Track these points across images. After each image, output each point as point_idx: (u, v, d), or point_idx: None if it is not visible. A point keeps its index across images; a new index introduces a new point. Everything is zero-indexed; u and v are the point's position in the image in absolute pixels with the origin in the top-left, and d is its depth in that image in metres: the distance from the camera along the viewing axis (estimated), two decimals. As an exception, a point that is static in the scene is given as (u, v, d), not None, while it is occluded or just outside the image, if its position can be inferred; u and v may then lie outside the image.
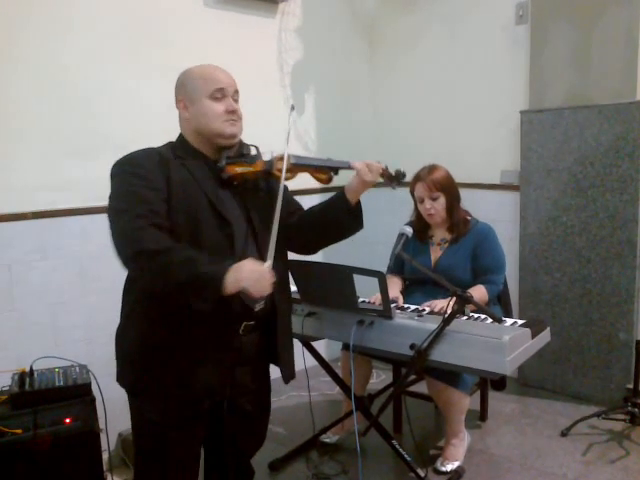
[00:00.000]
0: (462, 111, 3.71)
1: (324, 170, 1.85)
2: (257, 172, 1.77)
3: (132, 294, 1.71)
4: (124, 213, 1.57)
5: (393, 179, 1.92)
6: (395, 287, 2.76)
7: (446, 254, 2.72)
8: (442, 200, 2.68)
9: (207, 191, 1.67)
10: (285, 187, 1.89)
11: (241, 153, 1.76)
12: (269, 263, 1.58)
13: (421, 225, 2.79)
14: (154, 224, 1.56)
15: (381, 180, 1.86)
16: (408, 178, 2.80)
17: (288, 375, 1.86)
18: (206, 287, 1.52)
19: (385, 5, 4.04)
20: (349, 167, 1.83)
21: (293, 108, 1.82)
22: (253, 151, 1.79)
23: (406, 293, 2.78)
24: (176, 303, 1.61)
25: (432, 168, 2.72)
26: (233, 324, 1.70)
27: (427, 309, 2.42)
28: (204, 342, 1.65)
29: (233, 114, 1.71)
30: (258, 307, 1.56)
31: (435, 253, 2.76)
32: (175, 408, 1.68)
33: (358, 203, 1.83)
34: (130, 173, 1.62)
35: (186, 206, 1.62)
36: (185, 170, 1.67)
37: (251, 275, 1.52)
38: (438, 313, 2.33)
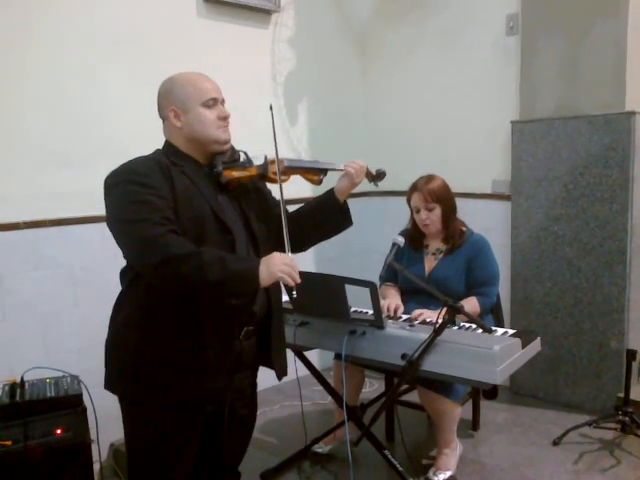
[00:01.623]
0: (453, 121, 3.74)
1: (316, 172, 1.95)
2: (252, 176, 1.82)
3: (129, 303, 1.70)
4: (140, 222, 1.54)
5: (375, 178, 2.06)
6: (395, 296, 2.76)
7: (440, 265, 2.73)
8: (438, 211, 2.69)
9: (208, 198, 1.69)
10: (269, 191, 1.96)
11: (234, 158, 1.80)
12: (291, 254, 1.65)
13: (416, 234, 2.80)
14: (172, 230, 1.56)
15: (364, 179, 1.99)
16: (403, 187, 2.85)
17: (281, 372, 1.88)
18: (243, 283, 1.58)
19: (378, 17, 4.07)
20: (339, 169, 1.95)
21: (271, 108, 1.85)
22: (243, 156, 1.83)
23: (400, 302, 2.78)
24: (204, 303, 1.63)
25: (429, 178, 2.73)
26: (233, 329, 1.72)
27: (418, 319, 2.42)
28: (206, 348, 1.66)
29: (225, 120, 1.75)
30: (294, 295, 1.60)
31: (429, 263, 2.77)
32: (176, 415, 1.68)
33: (345, 201, 1.95)
34: (134, 182, 1.60)
35: (190, 214, 1.63)
36: (185, 177, 1.68)
37: (283, 266, 1.57)
38: (429, 323, 2.34)
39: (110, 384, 1.74)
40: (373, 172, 2.04)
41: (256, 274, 1.56)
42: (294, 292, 1.60)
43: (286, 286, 1.60)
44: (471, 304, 2.57)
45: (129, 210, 1.57)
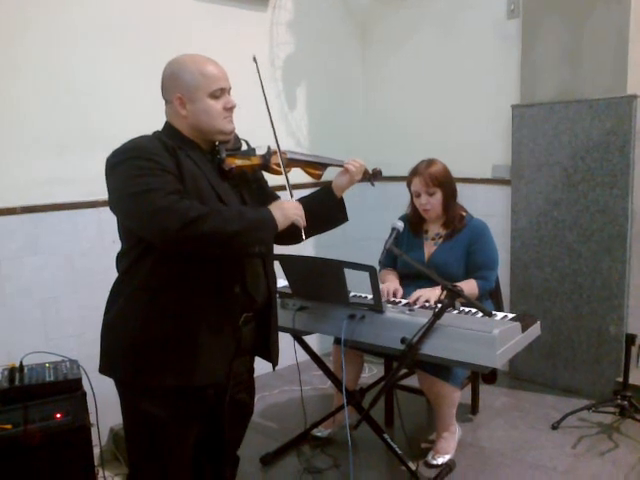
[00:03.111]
0: (454, 106, 3.71)
1: (317, 166, 1.99)
2: (254, 166, 1.83)
3: (129, 286, 1.68)
4: (153, 192, 1.52)
5: (372, 177, 2.11)
6: (394, 281, 2.75)
7: (440, 249, 2.72)
8: (439, 195, 2.68)
9: (213, 184, 1.69)
10: (266, 182, 1.96)
11: (238, 146, 1.81)
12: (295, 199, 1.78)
13: (416, 219, 2.79)
14: (185, 199, 1.55)
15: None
16: (402, 172, 2.83)
17: (275, 363, 1.92)
18: (263, 229, 1.65)
19: (377, 0, 4.03)
20: (341, 165, 1.98)
21: (255, 60, 1.87)
22: (245, 145, 1.84)
23: (399, 287, 2.78)
24: (229, 256, 1.68)
25: (430, 162, 2.71)
26: (234, 316, 1.73)
27: (417, 304, 2.42)
28: (207, 333, 1.66)
29: (231, 111, 1.73)
30: (304, 238, 1.75)
31: (429, 248, 2.76)
32: (177, 400, 1.68)
33: (342, 197, 1.99)
34: (141, 158, 1.58)
35: (196, 195, 1.62)
36: (190, 160, 1.67)
37: (295, 210, 1.72)
38: (429, 307, 2.34)
39: (107, 368, 1.73)
40: (370, 171, 2.08)
41: (273, 219, 1.65)
42: (304, 233, 1.75)
43: (298, 228, 1.73)
44: (470, 285, 2.57)
45: (139, 183, 1.54)
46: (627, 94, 2.93)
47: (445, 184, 2.68)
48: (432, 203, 2.68)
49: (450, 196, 2.70)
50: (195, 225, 1.50)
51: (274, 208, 1.68)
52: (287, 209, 1.70)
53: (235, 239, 1.59)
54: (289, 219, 1.69)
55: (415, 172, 2.71)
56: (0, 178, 2.54)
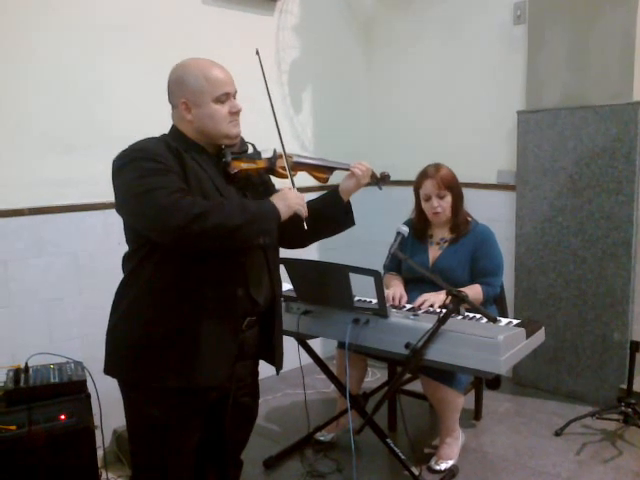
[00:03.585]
0: (459, 111, 3.72)
1: (324, 170, 1.98)
2: (260, 169, 1.83)
3: (134, 287, 1.69)
4: (158, 190, 1.53)
5: (379, 181, 2.08)
6: (399, 285, 2.75)
7: (445, 254, 2.72)
8: (449, 198, 2.69)
9: (219, 186, 1.69)
10: (273, 184, 1.97)
11: (244, 150, 1.81)
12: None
13: (421, 224, 2.79)
14: (188, 196, 1.56)
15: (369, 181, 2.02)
16: (407, 176, 2.83)
17: (279, 367, 1.92)
18: (267, 220, 1.66)
19: (383, 4, 4.04)
20: (347, 169, 1.97)
21: (257, 52, 1.89)
22: (251, 148, 1.84)
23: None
24: (235, 248, 1.67)
25: (438, 166, 2.72)
26: (238, 319, 1.73)
27: (422, 308, 2.42)
28: (209, 335, 1.66)
29: (237, 115, 1.74)
30: (306, 226, 1.75)
31: (434, 252, 2.76)
32: (179, 402, 1.69)
33: (349, 201, 1.98)
34: (145, 159, 1.59)
35: (200, 196, 1.62)
36: (195, 163, 1.67)
37: (297, 199, 1.73)
38: (433, 312, 2.33)
39: (110, 368, 1.74)
40: (377, 175, 2.06)
41: (275, 209, 1.66)
42: (306, 222, 1.75)
43: (300, 217, 1.73)
44: (475, 290, 2.57)
45: (143, 183, 1.55)
46: (633, 100, 2.93)
47: (454, 187, 2.70)
48: (443, 206, 2.69)
49: (459, 199, 2.72)
50: (198, 222, 1.51)
51: (276, 198, 1.69)
52: (289, 199, 1.70)
53: (238, 232, 1.59)
54: (291, 209, 1.70)
55: (425, 175, 2.71)
56: (7, 180, 2.55)
